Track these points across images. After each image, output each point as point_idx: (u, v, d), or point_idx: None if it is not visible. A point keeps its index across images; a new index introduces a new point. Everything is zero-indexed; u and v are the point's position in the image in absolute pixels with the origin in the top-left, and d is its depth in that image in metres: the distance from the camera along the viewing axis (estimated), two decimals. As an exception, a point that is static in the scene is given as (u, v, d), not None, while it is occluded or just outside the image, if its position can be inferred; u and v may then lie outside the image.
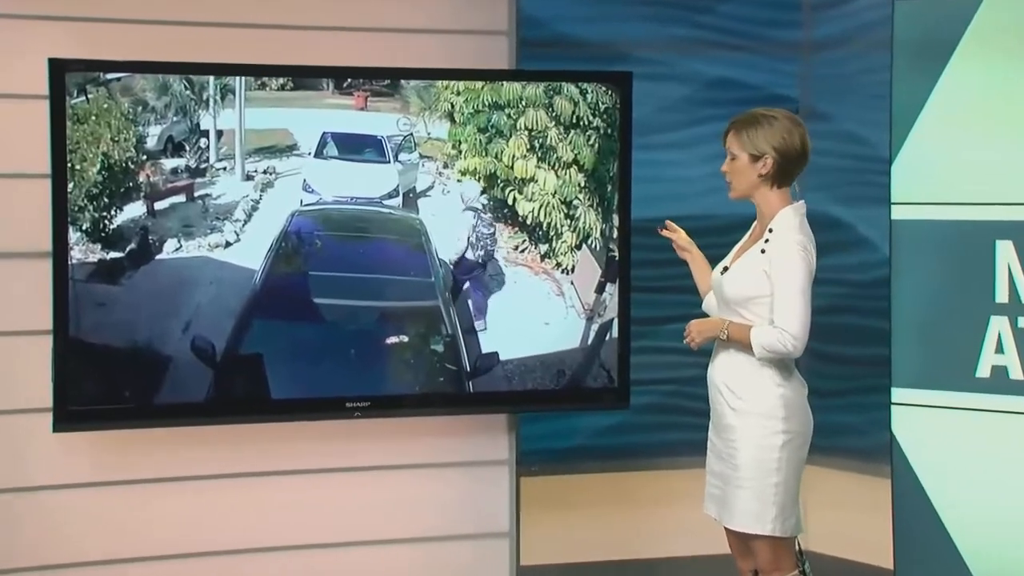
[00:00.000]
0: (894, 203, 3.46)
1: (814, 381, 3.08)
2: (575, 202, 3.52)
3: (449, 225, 3.47)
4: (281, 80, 3.34)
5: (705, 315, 3.08)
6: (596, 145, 3.52)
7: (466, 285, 3.44)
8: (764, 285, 2.87)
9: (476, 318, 3.43)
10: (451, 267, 3.41)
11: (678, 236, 3.15)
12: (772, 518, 2.88)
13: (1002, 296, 3.29)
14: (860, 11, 3.85)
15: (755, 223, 3.00)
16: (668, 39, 3.91)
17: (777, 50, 3.99)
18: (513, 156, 3.47)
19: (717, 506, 2.97)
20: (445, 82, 3.42)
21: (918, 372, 3.42)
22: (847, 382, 3.86)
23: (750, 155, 2.89)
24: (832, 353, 3.81)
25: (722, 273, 2.98)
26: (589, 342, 3.56)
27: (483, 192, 3.45)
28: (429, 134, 3.43)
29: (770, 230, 2.90)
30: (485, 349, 3.49)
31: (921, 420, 3.42)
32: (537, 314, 3.54)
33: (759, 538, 2.91)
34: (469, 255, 3.43)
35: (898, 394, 3.46)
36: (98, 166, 3.19)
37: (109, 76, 3.21)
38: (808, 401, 2.97)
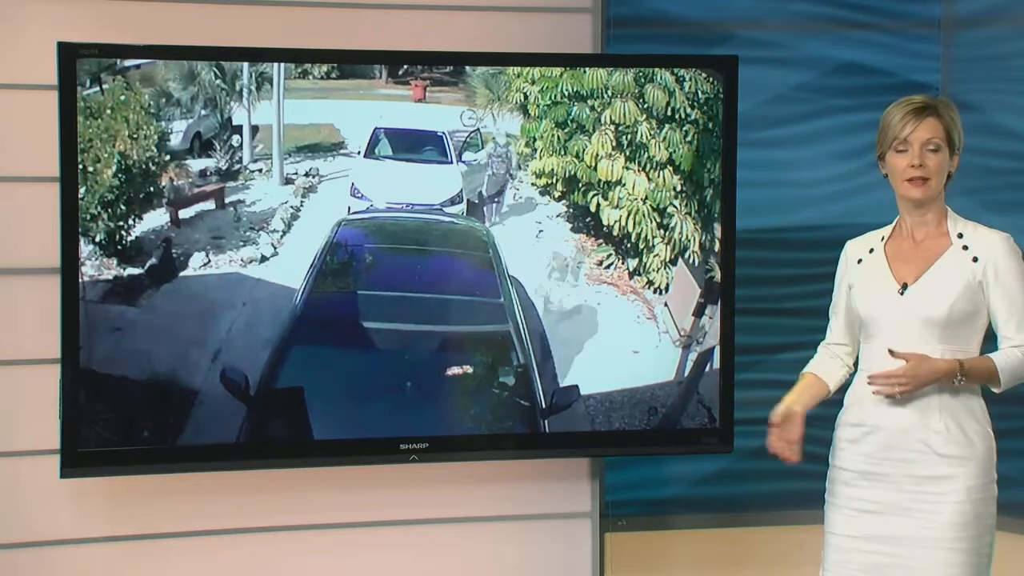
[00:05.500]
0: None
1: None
2: (669, 209, 3.39)
3: (521, 235, 3.37)
4: (326, 67, 3.27)
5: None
6: (695, 142, 3.39)
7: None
8: (981, 298, 2.66)
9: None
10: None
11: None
12: None
13: None
14: (1014, -20, 3.75)
15: (891, 230, 2.77)
16: (782, 16, 3.78)
17: (914, 28, 3.82)
18: (597, 155, 3.36)
19: None
20: (518, 69, 3.33)
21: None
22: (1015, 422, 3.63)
23: (951, 147, 2.69)
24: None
25: (902, 292, 2.70)
26: (686, 374, 3.44)
27: (561, 198, 3.36)
28: (498, 129, 3.34)
29: (959, 235, 2.70)
30: (563, 382, 3.36)
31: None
32: (624, 341, 3.40)
33: None
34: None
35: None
36: (114, 168, 3.13)
37: (127, 63, 3.14)
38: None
